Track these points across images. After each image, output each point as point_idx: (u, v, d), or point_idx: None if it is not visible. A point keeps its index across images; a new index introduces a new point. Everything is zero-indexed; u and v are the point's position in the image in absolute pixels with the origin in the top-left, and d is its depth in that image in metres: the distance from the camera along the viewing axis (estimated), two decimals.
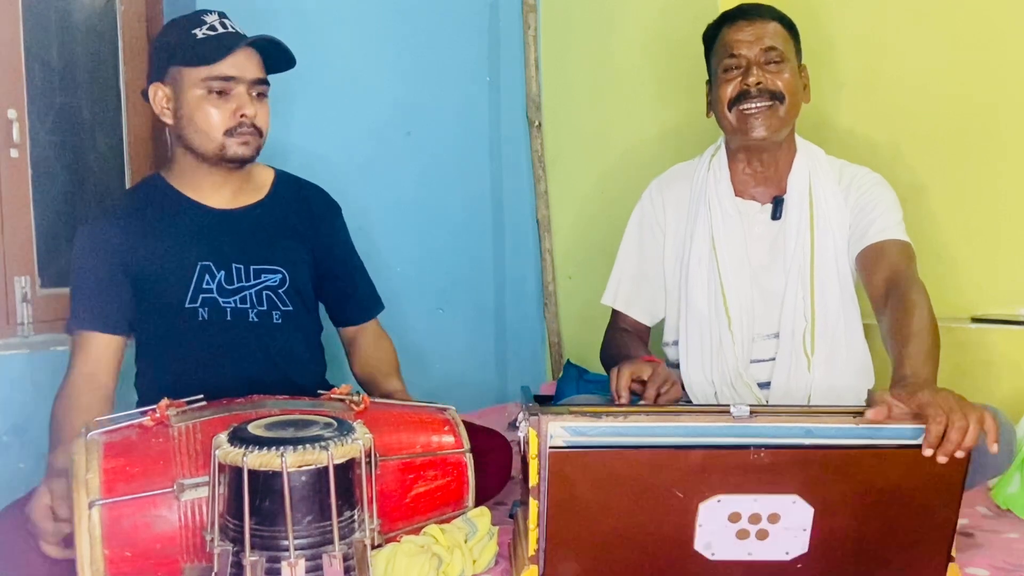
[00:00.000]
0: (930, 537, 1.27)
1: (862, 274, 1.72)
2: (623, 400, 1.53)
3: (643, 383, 1.55)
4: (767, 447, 1.22)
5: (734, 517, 1.24)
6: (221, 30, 1.63)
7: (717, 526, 1.24)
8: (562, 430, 1.25)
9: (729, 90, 1.73)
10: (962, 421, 1.22)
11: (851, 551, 1.27)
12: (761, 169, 1.80)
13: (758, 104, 1.71)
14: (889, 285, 1.62)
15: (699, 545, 1.25)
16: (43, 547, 1.33)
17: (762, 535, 1.25)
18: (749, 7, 1.79)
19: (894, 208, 1.75)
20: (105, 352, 1.62)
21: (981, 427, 1.24)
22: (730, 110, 1.73)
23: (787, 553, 1.26)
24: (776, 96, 1.72)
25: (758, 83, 1.70)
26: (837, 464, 1.23)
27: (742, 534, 1.25)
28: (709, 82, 1.83)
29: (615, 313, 1.93)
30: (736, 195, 1.81)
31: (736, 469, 1.22)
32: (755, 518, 1.24)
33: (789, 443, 1.24)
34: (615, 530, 1.26)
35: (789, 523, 1.24)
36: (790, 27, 1.79)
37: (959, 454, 1.21)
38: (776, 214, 1.79)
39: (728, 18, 1.79)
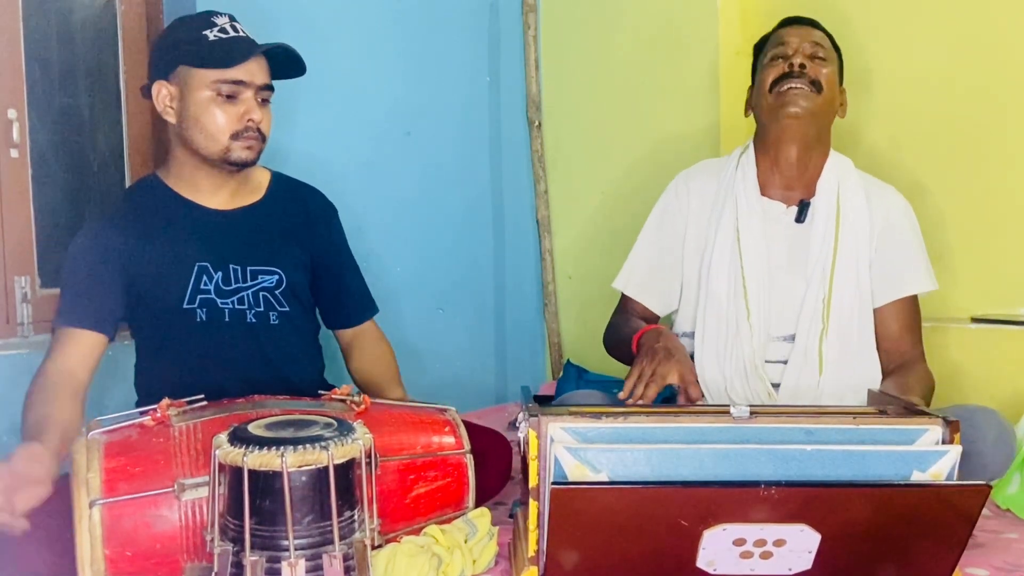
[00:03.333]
0: (936, 558, 1.25)
1: (876, 327, 1.81)
2: (650, 399, 1.53)
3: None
4: (777, 484, 1.17)
5: (739, 542, 1.21)
6: (232, 33, 1.63)
7: (721, 549, 1.22)
8: (562, 431, 1.25)
9: (772, 73, 1.79)
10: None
11: (855, 569, 1.26)
12: (789, 168, 1.82)
13: (798, 84, 1.76)
14: (903, 362, 1.77)
15: (701, 563, 1.23)
16: None
17: (766, 556, 1.23)
18: (801, 17, 1.88)
19: (917, 248, 1.83)
20: (84, 349, 1.60)
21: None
22: (770, 91, 1.78)
23: (789, 569, 1.24)
24: (816, 84, 1.77)
25: (802, 65, 1.77)
26: (849, 501, 1.20)
27: (746, 555, 1.22)
28: (753, 82, 1.89)
29: (624, 299, 1.94)
30: (762, 194, 1.83)
31: (744, 503, 1.19)
32: (760, 543, 1.21)
33: (800, 480, 1.21)
34: (616, 551, 1.24)
35: (794, 547, 1.22)
36: (835, 46, 1.87)
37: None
38: (800, 217, 1.80)
39: (782, 23, 1.88)
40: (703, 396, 1.61)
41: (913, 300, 1.82)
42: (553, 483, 1.18)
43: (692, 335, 1.86)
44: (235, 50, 1.61)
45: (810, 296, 1.77)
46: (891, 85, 2.22)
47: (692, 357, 1.83)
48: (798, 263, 1.79)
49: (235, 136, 1.63)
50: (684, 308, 1.90)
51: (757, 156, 1.86)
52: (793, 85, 1.75)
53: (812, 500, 1.19)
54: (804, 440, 1.27)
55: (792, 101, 1.75)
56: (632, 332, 1.75)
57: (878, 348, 1.79)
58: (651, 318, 1.92)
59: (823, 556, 1.23)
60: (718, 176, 1.88)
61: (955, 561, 1.25)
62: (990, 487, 1.20)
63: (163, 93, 1.65)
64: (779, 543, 1.22)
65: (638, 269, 1.93)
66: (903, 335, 1.79)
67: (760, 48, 1.90)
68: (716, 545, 1.21)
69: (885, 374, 1.77)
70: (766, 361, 1.78)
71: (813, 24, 1.85)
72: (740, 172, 1.85)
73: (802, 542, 1.21)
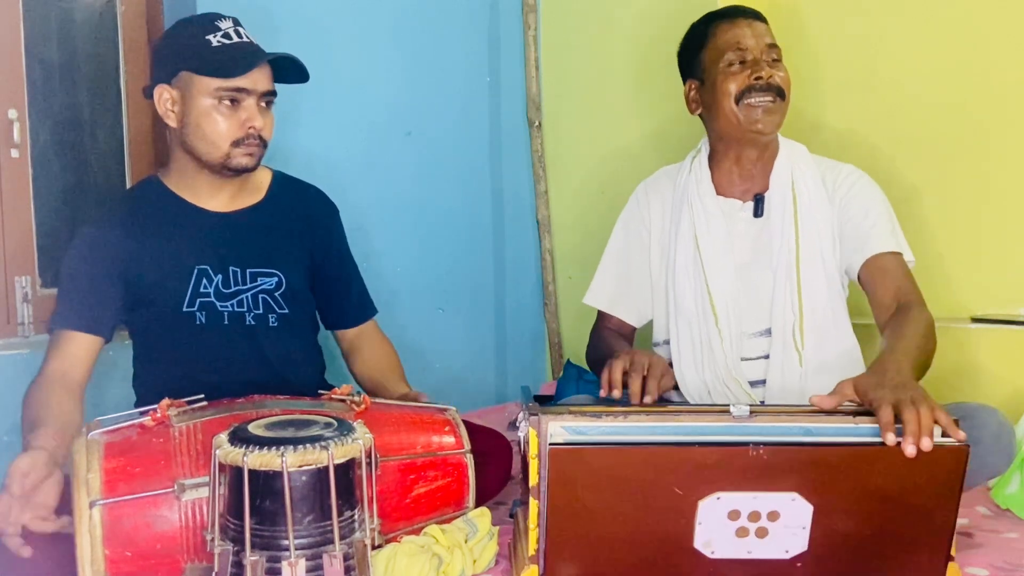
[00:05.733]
0: (930, 536, 1.27)
1: (866, 290, 1.74)
2: (616, 394, 1.52)
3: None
4: (765, 444, 1.22)
5: (733, 515, 1.24)
6: (236, 39, 1.62)
7: (716, 524, 1.24)
8: (562, 430, 1.25)
9: (736, 85, 1.73)
10: (910, 408, 1.23)
11: (851, 549, 1.27)
12: (748, 167, 1.80)
13: (764, 98, 1.71)
14: (895, 309, 1.64)
15: (698, 543, 1.25)
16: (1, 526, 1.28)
17: (761, 533, 1.25)
18: (744, 8, 1.81)
19: (885, 212, 1.77)
20: (81, 352, 1.61)
21: (933, 416, 1.23)
22: (737, 104, 1.73)
23: (787, 552, 1.26)
24: (780, 93, 1.73)
25: (770, 77, 1.71)
26: (835, 462, 1.24)
27: (741, 532, 1.25)
28: (697, 79, 1.82)
29: (600, 314, 1.94)
30: (718, 194, 1.82)
31: (735, 467, 1.22)
32: (754, 516, 1.24)
33: (787, 440, 1.25)
34: (615, 529, 1.26)
35: (788, 521, 1.24)
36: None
37: (924, 444, 1.20)
38: (758, 211, 1.80)
39: (724, 15, 1.80)
40: (672, 383, 1.60)
41: (891, 259, 1.72)
42: (551, 444, 1.21)
43: (668, 342, 1.85)
44: (239, 59, 1.60)
45: (779, 288, 1.76)
46: (891, 86, 2.22)
47: (671, 365, 1.83)
48: (762, 257, 1.78)
49: (236, 143, 1.63)
50: (657, 317, 1.90)
51: (714, 157, 1.84)
52: (761, 100, 1.71)
53: (800, 463, 1.23)
54: (803, 435, 1.28)
55: (762, 119, 1.72)
56: (610, 354, 1.73)
57: (873, 311, 1.71)
58: (628, 331, 1.92)
59: (817, 534, 1.25)
60: (674, 181, 1.87)
61: (947, 544, 1.27)
62: (968, 447, 1.23)
63: (165, 97, 1.64)
64: (773, 516, 1.24)
65: (607, 283, 1.93)
66: (889, 290, 1.67)
67: (698, 42, 1.81)
68: (711, 519, 1.23)
69: (881, 330, 1.67)
70: (747, 359, 1.78)
71: (757, 16, 1.78)
72: (694, 176, 1.83)
73: (795, 515, 1.24)
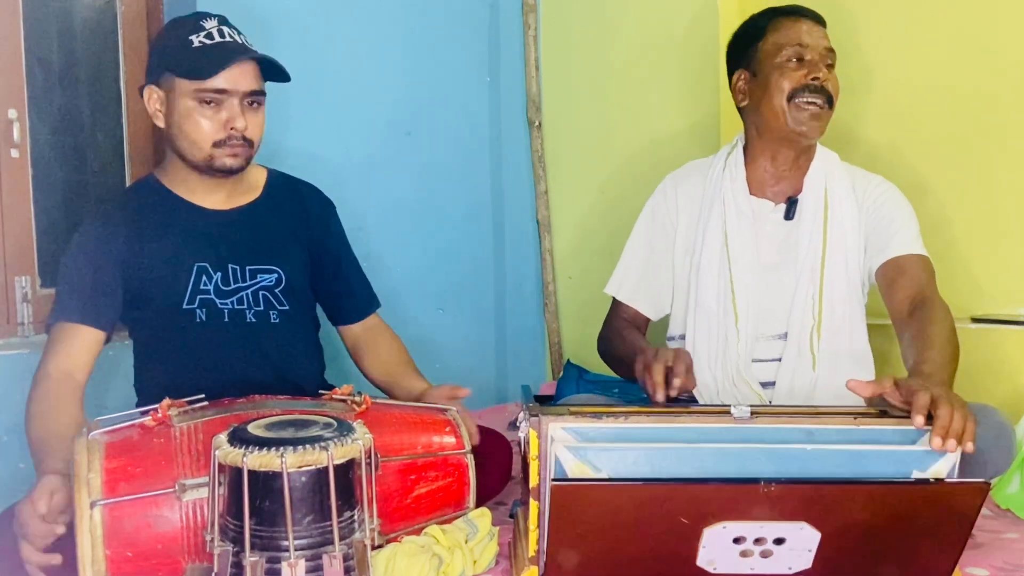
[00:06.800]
0: (937, 558, 1.25)
1: (883, 289, 1.73)
2: (660, 399, 1.49)
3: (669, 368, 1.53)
4: (777, 481, 1.17)
5: (739, 540, 1.21)
6: (218, 39, 1.61)
7: (721, 548, 1.22)
8: (563, 431, 1.25)
9: (790, 82, 1.72)
10: (946, 405, 1.25)
11: (855, 568, 1.26)
12: (783, 167, 1.80)
13: (818, 101, 1.71)
14: (913, 304, 1.64)
15: (701, 562, 1.23)
16: (24, 551, 1.29)
17: (766, 554, 1.23)
18: (806, 8, 1.81)
19: (911, 220, 1.77)
20: (83, 346, 1.60)
21: (965, 424, 1.25)
22: (788, 101, 1.72)
23: (790, 568, 1.24)
24: (829, 100, 1.73)
25: (825, 80, 1.72)
26: (848, 498, 1.20)
27: (746, 554, 1.22)
28: (748, 71, 1.81)
29: (616, 304, 1.92)
30: (750, 193, 1.81)
31: (744, 501, 1.19)
32: (760, 541, 1.21)
33: (800, 477, 1.22)
34: (617, 548, 1.24)
35: (794, 545, 1.22)
36: None
37: (950, 445, 1.23)
38: (789, 214, 1.79)
39: (786, 12, 1.80)
40: (695, 385, 1.58)
41: (912, 259, 1.72)
42: (553, 480, 1.18)
43: (684, 337, 1.85)
44: (214, 60, 1.59)
45: (800, 293, 1.76)
46: (891, 85, 2.22)
47: None
48: (788, 261, 1.78)
49: (218, 144, 1.62)
50: (675, 312, 1.89)
51: (750, 153, 1.83)
52: (814, 103, 1.71)
53: (811, 498, 1.19)
54: (805, 440, 1.27)
55: (808, 123, 1.72)
56: (634, 351, 1.72)
57: (889, 309, 1.72)
58: (643, 323, 1.91)
59: (823, 555, 1.23)
60: (705, 176, 1.86)
61: (955, 560, 1.25)
62: (989, 484, 1.21)
63: (153, 98, 1.65)
64: (779, 541, 1.22)
65: (630, 274, 1.91)
66: (906, 289, 1.68)
67: (755, 33, 1.81)
68: (716, 543, 1.21)
69: (898, 328, 1.68)
70: (760, 360, 1.77)
71: (819, 19, 1.79)
72: (728, 173, 1.82)
73: (802, 540, 1.21)
